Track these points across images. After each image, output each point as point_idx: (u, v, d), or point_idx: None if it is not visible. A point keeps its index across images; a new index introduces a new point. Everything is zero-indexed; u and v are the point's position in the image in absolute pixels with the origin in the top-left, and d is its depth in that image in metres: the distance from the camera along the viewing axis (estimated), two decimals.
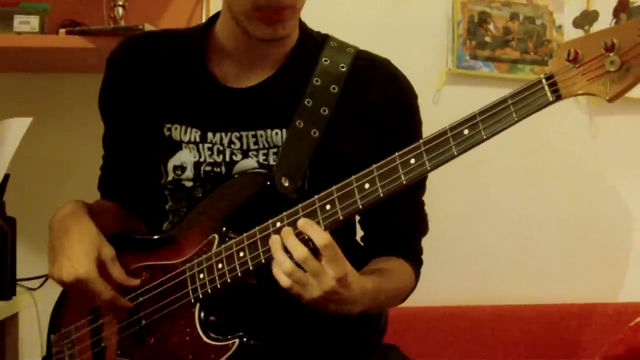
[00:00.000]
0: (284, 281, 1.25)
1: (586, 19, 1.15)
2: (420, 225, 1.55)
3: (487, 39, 2.48)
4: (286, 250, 1.25)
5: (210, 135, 1.43)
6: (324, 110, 1.41)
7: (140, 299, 1.42)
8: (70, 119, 2.39)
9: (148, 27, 2.00)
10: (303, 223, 1.25)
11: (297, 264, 1.24)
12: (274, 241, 1.26)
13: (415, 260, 1.53)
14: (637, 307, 2.44)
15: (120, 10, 2.14)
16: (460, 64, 2.47)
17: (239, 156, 1.42)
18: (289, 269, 1.24)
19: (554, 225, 2.55)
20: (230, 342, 1.30)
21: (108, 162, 1.63)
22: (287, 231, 1.26)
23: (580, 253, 2.56)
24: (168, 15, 2.34)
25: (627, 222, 2.59)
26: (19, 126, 1.97)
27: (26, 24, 2.10)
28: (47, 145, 2.39)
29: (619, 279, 2.59)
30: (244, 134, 1.42)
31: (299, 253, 1.23)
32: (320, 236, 1.23)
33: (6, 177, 2.01)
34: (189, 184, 1.44)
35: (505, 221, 2.54)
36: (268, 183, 1.35)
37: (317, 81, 1.43)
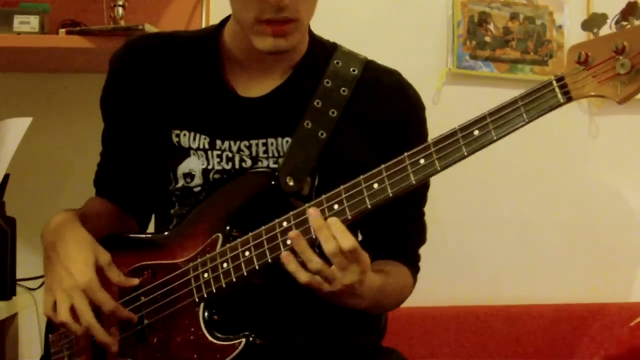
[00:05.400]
0: (304, 277, 1.24)
1: (594, 22, 1.16)
2: (419, 234, 1.55)
3: (487, 39, 2.48)
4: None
5: (219, 142, 1.42)
6: (333, 112, 1.41)
7: (143, 298, 1.41)
8: (70, 119, 2.38)
9: (148, 27, 2.00)
10: (332, 222, 1.24)
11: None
12: (298, 240, 1.25)
13: (413, 267, 1.53)
14: (638, 307, 2.45)
15: (120, 10, 2.14)
16: (460, 64, 2.47)
17: (249, 162, 1.41)
18: (318, 267, 1.23)
19: (554, 225, 2.56)
20: (237, 341, 1.30)
21: (106, 160, 1.61)
22: (318, 220, 1.24)
23: (581, 253, 2.57)
24: (168, 15, 2.34)
25: (628, 222, 2.59)
26: (19, 126, 1.97)
27: (26, 24, 2.10)
28: (47, 145, 2.39)
29: (621, 278, 2.60)
30: (253, 142, 1.41)
31: (331, 247, 1.22)
32: (346, 240, 1.22)
33: (6, 177, 2.00)
34: (197, 189, 1.43)
35: (505, 221, 2.54)
36: (272, 182, 1.35)
37: (327, 82, 1.43)
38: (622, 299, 2.56)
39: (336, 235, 1.23)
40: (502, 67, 2.49)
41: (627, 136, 2.58)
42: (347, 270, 1.23)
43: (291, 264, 1.25)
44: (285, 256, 1.26)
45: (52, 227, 1.44)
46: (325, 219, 1.25)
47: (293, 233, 1.26)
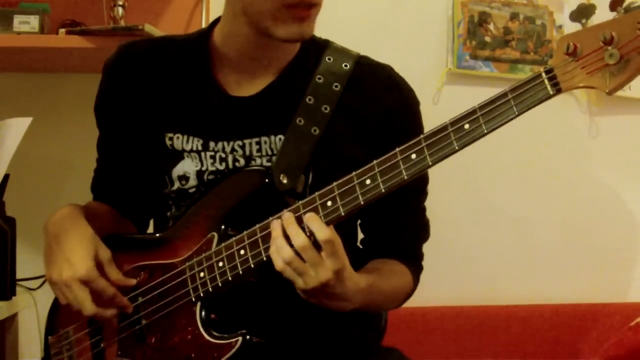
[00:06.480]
0: (279, 264, 1.25)
1: (583, 12, 1.15)
2: (421, 231, 1.54)
3: (487, 39, 2.48)
4: (286, 236, 1.25)
5: (212, 143, 1.42)
6: (326, 109, 1.41)
7: (140, 298, 1.42)
8: (70, 119, 2.39)
9: (148, 27, 2.00)
10: (308, 216, 1.25)
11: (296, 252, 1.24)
12: (275, 226, 1.26)
13: (415, 265, 1.52)
14: (638, 307, 2.45)
15: (120, 10, 2.14)
16: (460, 64, 2.47)
17: (242, 162, 1.41)
18: (288, 257, 1.24)
19: (553, 225, 2.56)
20: (234, 340, 1.31)
21: (103, 165, 1.62)
22: (289, 218, 1.26)
23: (580, 253, 2.56)
24: (168, 15, 2.34)
25: (627, 222, 2.59)
26: (19, 126, 1.97)
27: (26, 24, 2.10)
28: (47, 145, 2.39)
29: (621, 278, 2.59)
30: (246, 141, 1.41)
31: (299, 241, 1.23)
32: (321, 231, 1.23)
33: (6, 177, 2.01)
34: (192, 191, 1.43)
35: (505, 221, 2.54)
36: (266, 180, 1.35)
37: (319, 79, 1.43)
38: (622, 299, 2.55)
39: (313, 228, 1.23)
40: (502, 67, 2.49)
41: (627, 136, 2.58)
42: (320, 266, 1.23)
43: (272, 247, 1.26)
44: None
45: (57, 219, 1.45)
46: (321, 217, 1.25)
47: (275, 222, 1.27)
